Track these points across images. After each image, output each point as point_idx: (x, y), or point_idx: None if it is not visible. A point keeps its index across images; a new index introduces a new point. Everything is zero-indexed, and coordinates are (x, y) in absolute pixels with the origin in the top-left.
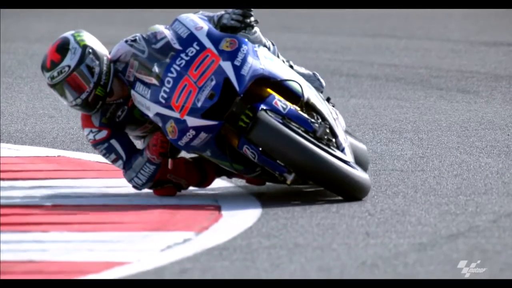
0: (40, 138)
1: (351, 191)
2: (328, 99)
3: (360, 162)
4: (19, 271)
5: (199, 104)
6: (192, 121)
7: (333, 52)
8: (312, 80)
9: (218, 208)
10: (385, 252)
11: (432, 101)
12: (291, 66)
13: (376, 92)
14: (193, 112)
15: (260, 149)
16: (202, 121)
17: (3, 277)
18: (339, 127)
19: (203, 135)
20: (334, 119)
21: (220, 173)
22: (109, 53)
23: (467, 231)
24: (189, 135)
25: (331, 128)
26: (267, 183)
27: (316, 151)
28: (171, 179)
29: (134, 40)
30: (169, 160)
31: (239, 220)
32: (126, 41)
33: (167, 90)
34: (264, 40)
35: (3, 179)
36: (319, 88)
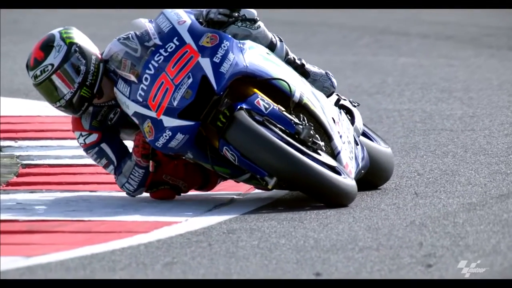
0: None
1: (332, 197)
2: (338, 101)
3: (382, 166)
4: (68, 230)
5: (175, 103)
6: (168, 121)
7: (382, 10)
8: (323, 79)
9: None
10: (434, 212)
11: (483, 60)
12: (303, 65)
13: (425, 50)
14: (169, 111)
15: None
16: (178, 121)
17: (53, 235)
18: (337, 129)
19: (179, 136)
20: (334, 121)
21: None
22: (102, 53)
23: None
24: (165, 136)
25: (325, 131)
26: None
27: (292, 154)
28: (167, 180)
29: (127, 38)
30: (151, 162)
31: None
32: (119, 40)
33: (145, 87)
34: (270, 35)
35: (52, 139)
36: (329, 88)
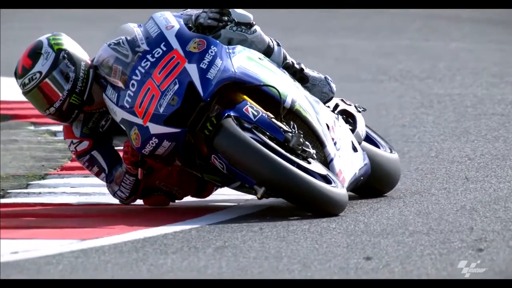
0: None
1: (319, 206)
2: (336, 106)
3: (386, 173)
4: (121, 214)
5: (161, 110)
6: (155, 128)
7: None
8: (322, 84)
9: None
10: (484, 197)
11: None
12: (301, 69)
13: (476, 35)
14: (156, 118)
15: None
16: (164, 128)
17: (106, 219)
18: (332, 135)
19: (166, 143)
20: (328, 127)
21: None
22: (93, 59)
23: None
24: (152, 143)
25: (317, 137)
26: None
27: (279, 163)
28: (160, 186)
29: (118, 44)
30: (139, 170)
31: None
32: (109, 45)
33: (131, 94)
34: (267, 39)
35: None
36: (328, 93)
